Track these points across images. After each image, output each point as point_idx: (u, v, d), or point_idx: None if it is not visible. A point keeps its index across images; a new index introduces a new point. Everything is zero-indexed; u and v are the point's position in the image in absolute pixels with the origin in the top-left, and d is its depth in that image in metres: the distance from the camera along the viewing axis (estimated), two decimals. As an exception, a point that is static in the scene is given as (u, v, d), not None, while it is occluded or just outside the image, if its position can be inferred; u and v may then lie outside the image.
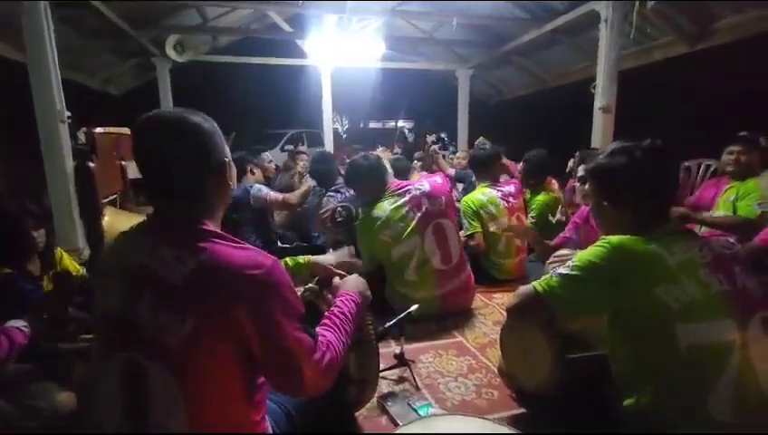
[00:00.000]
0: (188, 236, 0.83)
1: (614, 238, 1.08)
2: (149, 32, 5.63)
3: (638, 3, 3.76)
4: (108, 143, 3.43)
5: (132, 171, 5.30)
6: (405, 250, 2.23)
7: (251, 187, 2.92)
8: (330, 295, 1.34)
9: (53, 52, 3.39)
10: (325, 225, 2.81)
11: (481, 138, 4.70)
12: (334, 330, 0.99)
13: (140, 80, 7.19)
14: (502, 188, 2.95)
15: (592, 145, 4.40)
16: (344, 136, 12.29)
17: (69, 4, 3.85)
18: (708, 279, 1.01)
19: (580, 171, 2.17)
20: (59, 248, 1.77)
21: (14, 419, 1.24)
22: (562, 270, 1.12)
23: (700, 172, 4.33)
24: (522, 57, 6.76)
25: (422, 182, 2.37)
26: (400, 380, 1.70)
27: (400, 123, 14.19)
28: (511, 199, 2.91)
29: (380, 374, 1.69)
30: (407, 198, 2.28)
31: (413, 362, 1.80)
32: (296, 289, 0.93)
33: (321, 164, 3.31)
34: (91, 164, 1.59)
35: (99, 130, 5.16)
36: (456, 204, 2.84)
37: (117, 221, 2.14)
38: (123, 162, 4.05)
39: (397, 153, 5.72)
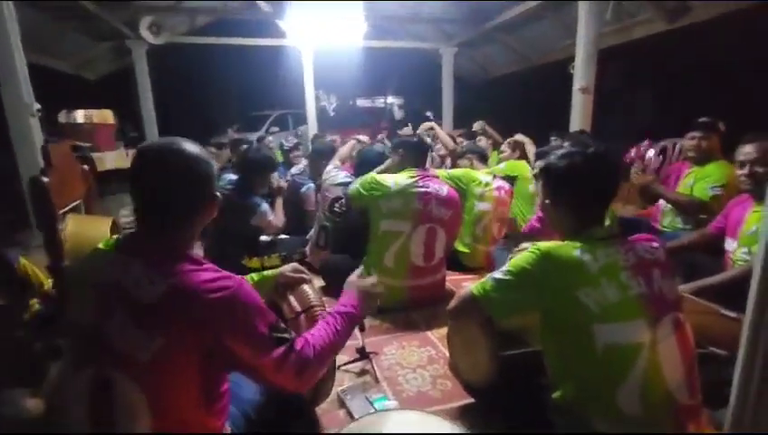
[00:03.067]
0: (167, 261, 0.88)
1: (543, 245, 1.14)
2: (121, 13, 5.46)
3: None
4: (65, 151, 3.40)
5: (109, 162, 5.27)
6: (391, 228, 2.26)
7: (260, 203, 2.64)
8: (291, 297, 1.41)
9: (18, 41, 3.30)
10: (322, 208, 2.82)
11: (481, 122, 4.62)
12: (322, 328, 1.06)
13: (117, 64, 7.00)
14: (500, 183, 3.09)
15: (571, 128, 4.41)
16: (333, 114, 12.06)
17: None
18: (628, 282, 1.08)
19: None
20: (22, 259, 1.65)
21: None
22: (497, 274, 1.19)
23: (675, 152, 4.38)
24: (506, 34, 6.66)
25: (443, 186, 2.40)
26: (362, 372, 1.77)
27: (390, 100, 13.94)
28: (503, 193, 3.05)
29: (344, 368, 1.78)
30: (422, 189, 2.30)
31: (376, 353, 1.87)
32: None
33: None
34: (45, 178, 1.57)
35: (80, 112, 5.15)
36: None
37: (80, 227, 2.16)
38: (86, 164, 3.98)
39: (381, 138, 5.58)
